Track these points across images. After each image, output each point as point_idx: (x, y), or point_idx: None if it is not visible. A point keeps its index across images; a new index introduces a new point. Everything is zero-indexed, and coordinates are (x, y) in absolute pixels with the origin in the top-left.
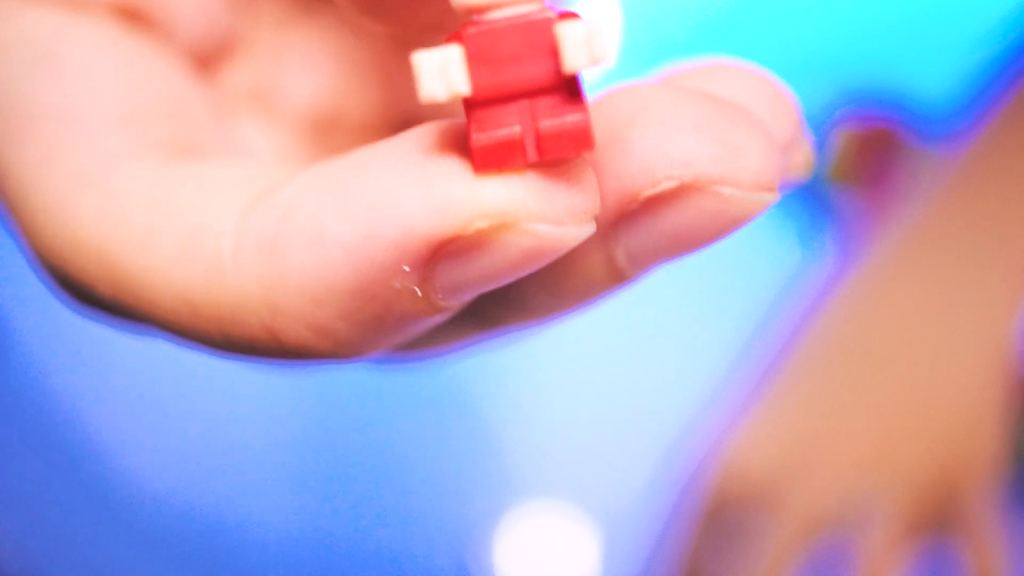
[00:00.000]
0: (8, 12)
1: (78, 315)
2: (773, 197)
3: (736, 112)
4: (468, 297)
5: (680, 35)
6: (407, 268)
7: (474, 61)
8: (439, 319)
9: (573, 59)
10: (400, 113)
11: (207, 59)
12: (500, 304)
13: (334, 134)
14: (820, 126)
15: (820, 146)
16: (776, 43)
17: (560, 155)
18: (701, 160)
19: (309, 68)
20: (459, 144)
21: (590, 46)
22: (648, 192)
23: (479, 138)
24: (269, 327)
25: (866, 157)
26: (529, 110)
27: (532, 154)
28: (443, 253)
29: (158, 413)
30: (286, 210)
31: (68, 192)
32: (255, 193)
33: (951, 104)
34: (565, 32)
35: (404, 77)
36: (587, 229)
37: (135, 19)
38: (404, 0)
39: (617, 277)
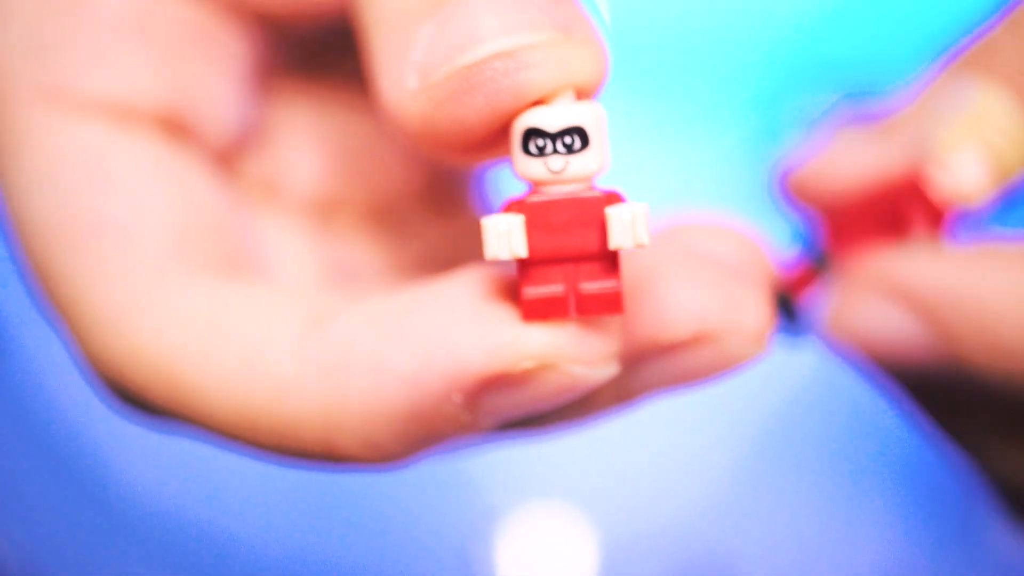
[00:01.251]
0: (59, 125)
1: (126, 419)
2: (767, 348)
3: (738, 274)
4: (507, 420)
5: (680, 36)
6: (457, 398)
7: (533, 227)
8: (478, 439)
9: (619, 239)
10: (398, 196)
11: (229, 154)
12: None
13: (338, 216)
14: (820, 126)
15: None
16: (776, 43)
17: (595, 314)
18: (713, 315)
19: (316, 152)
20: (507, 292)
21: (634, 229)
22: (668, 339)
23: (529, 292)
24: (325, 442)
25: None
26: (573, 272)
27: (572, 311)
28: (491, 386)
29: None
30: (347, 339)
31: (127, 308)
32: (309, 318)
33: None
34: (614, 215)
35: (402, 162)
36: (613, 369)
37: (176, 128)
38: (475, 149)
39: (624, 402)
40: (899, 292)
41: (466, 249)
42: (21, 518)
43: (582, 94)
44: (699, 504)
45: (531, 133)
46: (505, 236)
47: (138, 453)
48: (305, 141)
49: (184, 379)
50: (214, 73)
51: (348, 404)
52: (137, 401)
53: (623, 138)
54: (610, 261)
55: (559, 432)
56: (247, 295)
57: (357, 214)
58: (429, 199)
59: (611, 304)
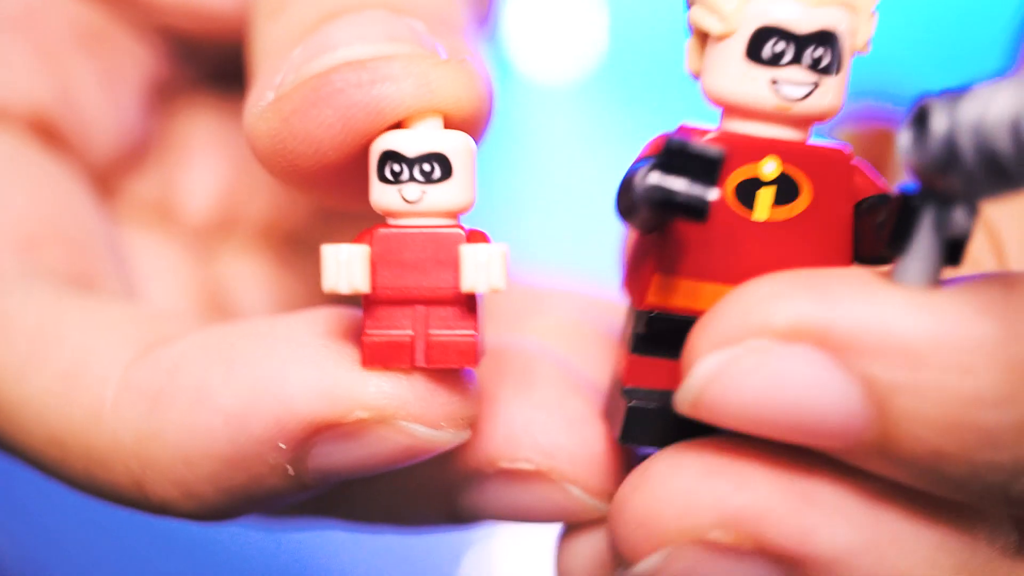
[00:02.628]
0: None
1: None
2: (460, 436)
3: (597, 424)
4: (336, 481)
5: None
6: (283, 445)
7: (380, 261)
8: (304, 497)
9: (471, 281)
10: (292, 218)
11: (117, 168)
12: (347, 497)
13: (233, 233)
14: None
15: None
16: None
17: (445, 365)
18: (562, 457)
19: (213, 167)
20: (352, 334)
21: (488, 272)
22: (505, 464)
23: (371, 334)
24: (137, 479)
25: (865, 156)
26: (424, 316)
27: (420, 359)
28: (320, 436)
29: None
30: (174, 366)
31: None
32: (144, 342)
33: None
34: (467, 253)
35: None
36: (462, 436)
37: (49, 135)
38: (330, 187)
39: (450, 518)
40: (835, 344)
41: None
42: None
43: (451, 124)
44: None
45: (387, 157)
46: (345, 267)
47: None
48: (205, 159)
49: (1, 390)
50: (104, 83)
51: (164, 436)
52: None
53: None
54: (467, 307)
55: (394, 530)
56: (84, 310)
57: (254, 233)
58: (327, 221)
59: (464, 355)
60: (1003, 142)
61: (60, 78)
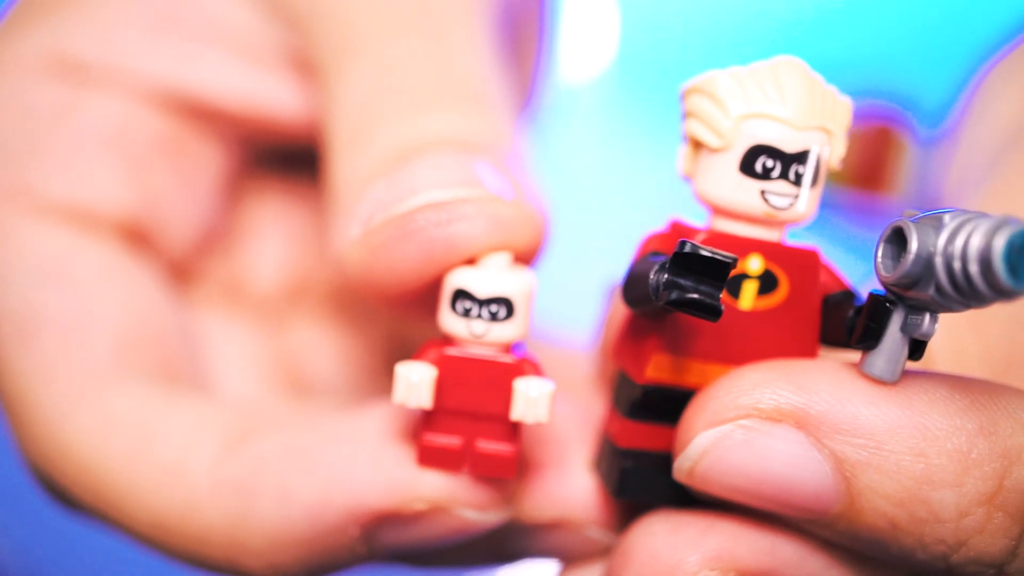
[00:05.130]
0: (23, 227)
1: (62, 513)
2: (503, 514)
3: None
4: (401, 553)
5: (681, 37)
6: (354, 531)
7: (444, 381)
8: (372, 565)
9: (520, 413)
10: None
11: (194, 256)
12: (416, 558)
13: (302, 301)
14: None
15: None
16: (776, 44)
17: (487, 474)
18: (580, 505)
19: (279, 243)
20: (410, 433)
21: (536, 408)
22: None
23: (428, 439)
24: (230, 560)
25: (866, 155)
26: (473, 428)
27: (467, 465)
28: (385, 522)
29: None
30: (259, 465)
31: (63, 405)
32: (228, 435)
33: (950, 102)
34: (521, 390)
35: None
36: (504, 515)
37: (135, 237)
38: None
39: (497, 559)
40: (811, 426)
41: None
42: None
43: (518, 259)
44: None
45: (460, 294)
46: (415, 388)
47: None
48: (271, 237)
49: (107, 481)
50: (183, 185)
51: (254, 526)
52: (65, 496)
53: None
54: (511, 426)
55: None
56: (176, 406)
57: (320, 301)
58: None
59: (503, 467)
60: (974, 273)
61: (144, 183)
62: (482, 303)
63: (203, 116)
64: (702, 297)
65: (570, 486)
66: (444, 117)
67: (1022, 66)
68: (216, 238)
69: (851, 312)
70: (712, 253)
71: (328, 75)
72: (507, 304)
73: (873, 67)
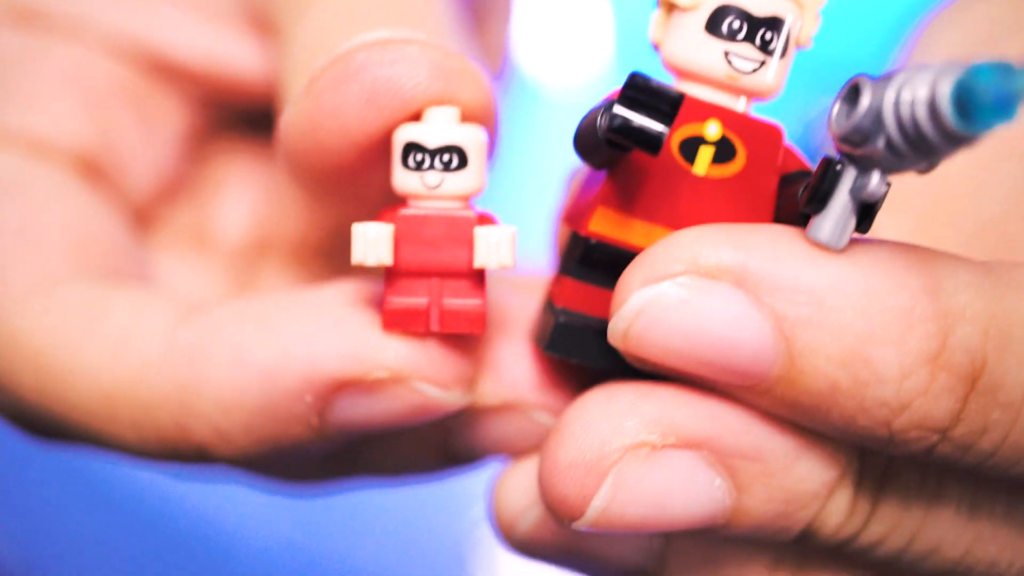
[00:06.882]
0: None
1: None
2: (466, 397)
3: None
4: (354, 435)
5: None
6: (309, 399)
7: (403, 239)
8: (325, 449)
9: (483, 259)
10: (325, 232)
11: (155, 202)
12: (358, 453)
13: (268, 255)
14: (819, 125)
15: (819, 145)
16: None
17: (456, 331)
18: (526, 388)
19: (246, 198)
20: (374, 303)
21: (499, 252)
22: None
23: (392, 301)
24: (180, 427)
25: None
26: (438, 287)
27: (434, 324)
28: (342, 392)
29: None
30: (212, 329)
31: (12, 301)
32: (184, 309)
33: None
34: (481, 234)
35: (329, 200)
36: (468, 398)
37: (90, 172)
38: (348, 183)
39: (446, 461)
40: (750, 284)
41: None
42: (21, 516)
43: (467, 117)
44: None
45: (410, 147)
46: (373, 243)
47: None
48: (240, 192)
49: (55, 365)
50: (143, 131)
51: (204, 388)
52: (9, 401)
53: None
54: (476, 280)
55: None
56: (128, 293)
57: (286, 253)
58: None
59: (473, 322)
60: (922, 118)
61: (102, 124)
62: (434, 153)
63: (164, 72)
64: (643, 125)
65: (517, 369)
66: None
67: (961, 14)
68: (181, 188)
69: (804, 185)
70: (660, 85)
71: (283, 30)
72: (459, 153)
73: (871, 66)
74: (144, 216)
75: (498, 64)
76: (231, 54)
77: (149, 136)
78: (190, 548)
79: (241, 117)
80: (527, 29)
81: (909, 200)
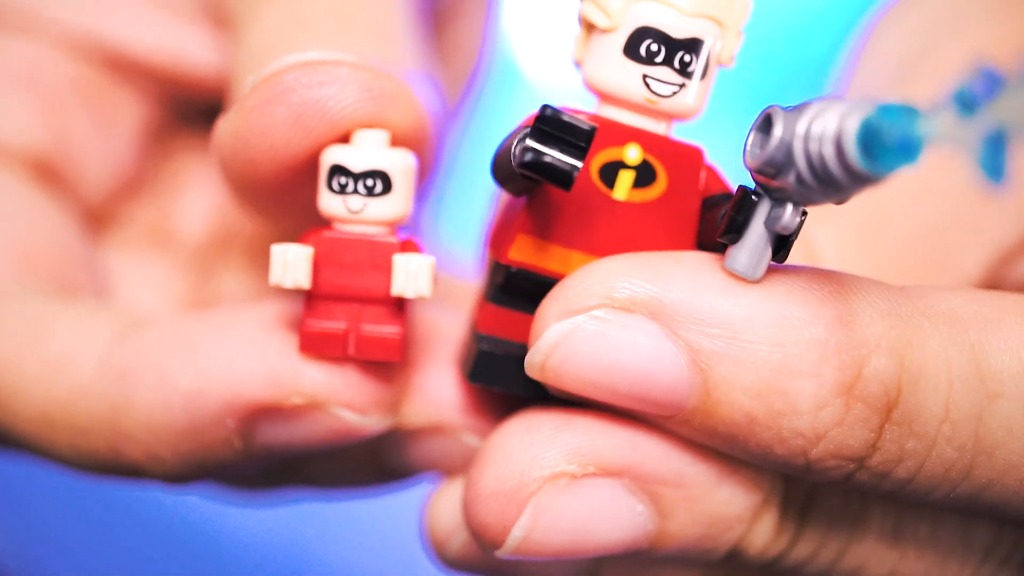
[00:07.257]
0: None
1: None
2: (385, 422)
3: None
4: (278, 456)
5: None
6: (231, 423)
7: (323, 262)
8: (253, 468)
9: (400, 287)
10: (285, 226)
11: (113, 200)
12: (293, 467)
13: (228, 251)
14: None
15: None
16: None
17: (372, 358)
18: (452, 410)
19: (206, 194)
20: (294, 325)
21: (417, 281)
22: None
23: (310, 324)
24: (112, 448)
25: None
26: (357, 313)
27: (352, 350)
28: (262, 416)
29: None
30: (142, 352)
31: None
32: (125, 324)
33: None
34: (399, 262)
35: (262, 211)
36: (386, 422)
37: (45, 173)
38: (277, 201)
39: (381, 477)
40: (665, 316)
41: None
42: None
43: (398, 141)
44: None
45: (335, 170)
46: (291, 266)
47: None
48: (200, 188)
49: None
50: (99, 129)
51: (134, 414)
52: None
53: None
54: (395, 307)
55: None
56: (70, 309)
57: (247, 249)
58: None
59: (389, 350)
60: (829, 155)
61: (57, 124)
62: (357, 177)
63: (122, 68)
64: (554, 161)
65: (444, 390)
66: (344, 44)
67: (908, 11)
68: (140, 185)
69: (723, 210)
70: (572, 118)
71: (237, 28)
72: (384, 178)
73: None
74: (103, 214)
75: (470, 60)
76: (190, 49)
77: (106, 133)
78: (190, 548)
79: (201, 112)
80: (521, 24)
81: (849, 206)
